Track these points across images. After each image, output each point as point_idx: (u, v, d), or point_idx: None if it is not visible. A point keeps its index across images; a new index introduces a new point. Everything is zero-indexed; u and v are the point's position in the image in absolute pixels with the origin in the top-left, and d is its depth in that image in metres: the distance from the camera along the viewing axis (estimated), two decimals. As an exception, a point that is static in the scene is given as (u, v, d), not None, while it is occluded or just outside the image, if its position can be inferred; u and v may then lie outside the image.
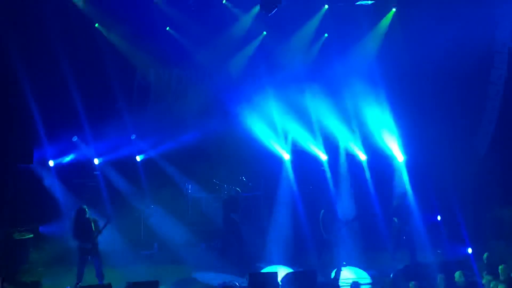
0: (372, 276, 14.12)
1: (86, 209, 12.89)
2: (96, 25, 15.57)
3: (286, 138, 17.29)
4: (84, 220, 12.76)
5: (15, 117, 13.84)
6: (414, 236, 14.86)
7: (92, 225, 12.80)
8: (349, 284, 12.29)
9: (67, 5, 15.02)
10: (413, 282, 11.73)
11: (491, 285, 11.97)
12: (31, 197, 14.75)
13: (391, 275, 13.27)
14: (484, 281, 12.16)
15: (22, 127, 13.99)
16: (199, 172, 16.67)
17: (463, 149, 16.75)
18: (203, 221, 16.49)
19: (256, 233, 16.13)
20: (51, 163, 15.45)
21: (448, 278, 12.01)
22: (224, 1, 16.19)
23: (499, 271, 12.43)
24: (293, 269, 14.09)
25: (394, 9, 16.58)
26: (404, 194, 15.25)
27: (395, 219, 14.92)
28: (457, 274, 12.19)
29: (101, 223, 12.95)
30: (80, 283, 12.50)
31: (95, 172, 16.10)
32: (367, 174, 17.22)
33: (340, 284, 13.11)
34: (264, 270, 14.25)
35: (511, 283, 11.88)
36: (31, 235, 14.00)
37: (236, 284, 13.23)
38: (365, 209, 16.15)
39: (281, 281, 12.58)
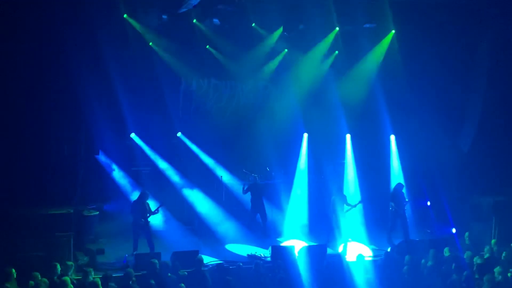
0: (373, 250, 13.97)
1: (148, 194, 13.04)
2: (150, 43, 15.59)
3: (303, 136, 17.15)
4: (144, 202, 12.91)
5: (85, 118, 13.93)
6: (407, 218, 14.68)
7: (147, 206, 12.95)
8: (355, 256, 12.16)
9: (128, 28, 15.07)
10: (408, 256, 11.59)
11: (472, 260, 11.77)
12: (97, 182, 14.83)
13: (389, 249, 13.11)
14: (465, 256, 11.95)
15: (90, 126, 14.08)
16: (232, 163, 16.57)
17: (450, 147, 16.52)
18: (234, 202, 16.44)
19: (277, 213, 16.01)
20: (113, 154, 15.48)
21: (436, 253, 11.85)
22: (253, 24, 16.10)
23: (485, 250, 12.28)
24: (307, 243, 14.03)
25: (393, 31, 16.33)
26: (400, 183, 15.02)
27: (392, 204, 14.72)
28: (446, 250, 12.05)
29: (152, 206, 13.07)
30: (135, 252, 12.60)
31: (148, 162, 16.08)
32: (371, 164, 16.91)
33: (346, 256, 12.99)
34: (283, 244, 14.19)
35: (491, 259, 11.70)
36: (97, 212, 14.09)
37: (261, 255, 13.18)
38: (368, 195, 15.94)
39: (297, 253, 12.53)
